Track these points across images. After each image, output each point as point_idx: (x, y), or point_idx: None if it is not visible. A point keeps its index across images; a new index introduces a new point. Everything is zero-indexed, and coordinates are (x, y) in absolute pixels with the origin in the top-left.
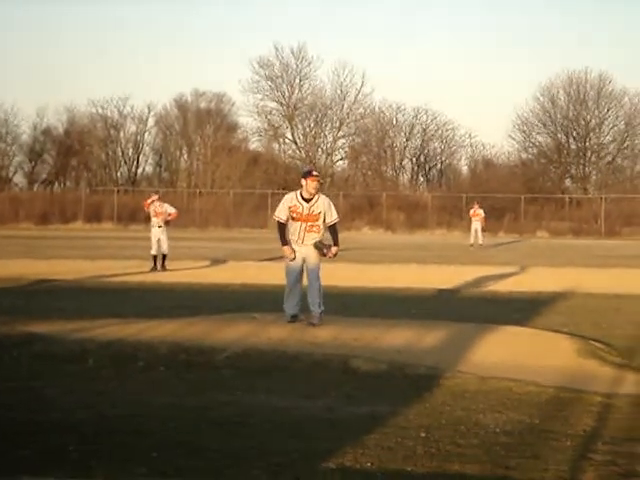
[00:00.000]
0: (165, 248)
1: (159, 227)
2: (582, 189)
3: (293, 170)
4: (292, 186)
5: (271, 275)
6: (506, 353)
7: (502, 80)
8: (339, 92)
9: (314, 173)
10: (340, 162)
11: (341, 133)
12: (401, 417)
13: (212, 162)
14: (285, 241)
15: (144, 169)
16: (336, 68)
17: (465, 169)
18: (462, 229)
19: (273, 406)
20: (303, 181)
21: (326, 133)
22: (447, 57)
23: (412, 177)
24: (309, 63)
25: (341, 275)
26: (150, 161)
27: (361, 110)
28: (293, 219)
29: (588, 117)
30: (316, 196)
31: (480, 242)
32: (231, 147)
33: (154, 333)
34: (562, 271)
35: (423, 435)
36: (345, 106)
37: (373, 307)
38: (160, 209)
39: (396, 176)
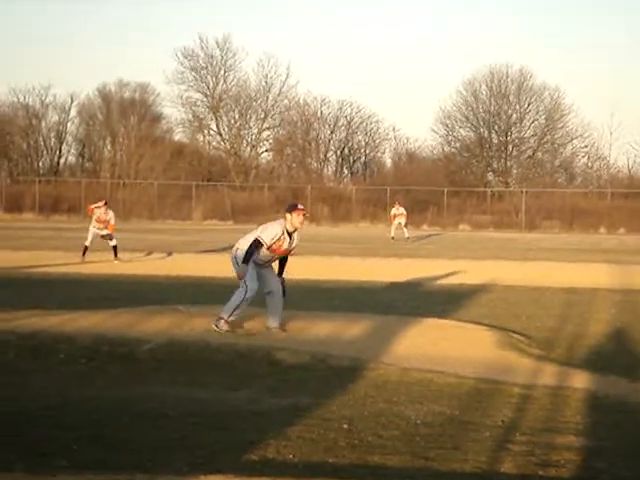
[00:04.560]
0: (114, 241)
1: (99, 229)
2: (503, 183)
3: (218, 162)
4: (217, 177)
5: (196, 267)
6: (428, 345)
7: (425, 74)
8: (264, 84)
9: (301, 207)
10: (265, 154)
11: (266, 125)
12: (324, 409)
13: (136, 153)
14: (248, 260)
15: (67, 159)
16: (261, 60)
17: (389, 162)
18: (386, 222)
19: (196, 398)
20: (288, 215)
21: (251, 125)
22: (371, 50)
23: (336, 170)
24: (234, 54)
25: None
26: (73, 151)
27: (286, 102)
28: (268, 249)
29: (509, 111)
30: (297, 231)
31: (406, 236)
32: (155, 138)
33: (76, 325)
34: (483, 264)
35: (345, 427)
36: (270, 98)
37: (296, 299)
38: (104, 217)
39: (321, 168)
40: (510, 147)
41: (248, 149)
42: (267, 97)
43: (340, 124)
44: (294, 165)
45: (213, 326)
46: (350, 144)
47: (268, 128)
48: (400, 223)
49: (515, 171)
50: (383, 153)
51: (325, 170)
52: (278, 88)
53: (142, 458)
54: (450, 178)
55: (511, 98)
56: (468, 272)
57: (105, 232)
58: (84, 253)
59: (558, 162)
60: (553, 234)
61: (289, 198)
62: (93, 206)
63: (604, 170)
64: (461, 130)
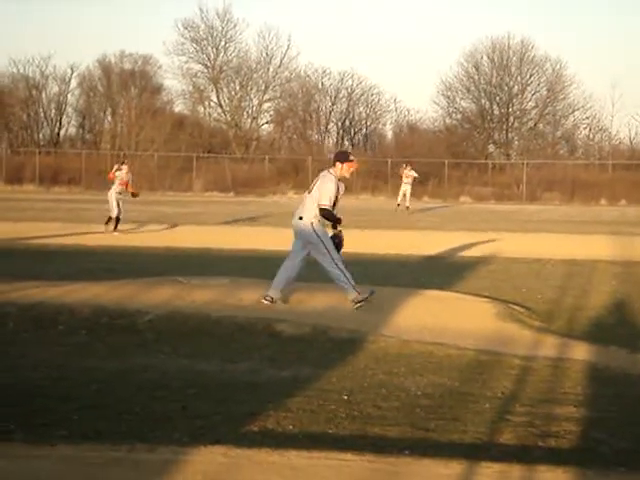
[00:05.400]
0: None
1: (120, 193)
2: (505, 155)
3: (218, 133)
4: (217, 149)
5: (197, 239)
6: (428, 317)
7: (427, 45)
8: (265, 55)
9: (352, 157)
10: (265, 126)
11: (267, 97)
12: (324, 380)
13: (136, 124)
14: (338, 218)
15: (67, 130)
16: (262, 31)
17: (390, 134)
18: (387, 193)
19: (196, 370)
20: (339, 164)
21: (251, 96)
22: (372, 22)
23: (337, 141)
24: (234, 25)
25: (265, 240)
26: (73, 122)
27: (287, 74)
28: (333, 204)
29: (511, 83)
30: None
31: (407, 204)
32: (156, 109)
33: (77, 296)
34: (484, 236)
35: (345, 398)
36: (271, 69)
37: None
38: (126, 177)
39: (321, 140)
40: (511, 119)
41: (249, 121)
42: (268, 69)
43: (341, 96)
44: (295, 137)
45: (355, 308)
46: (351, 116)
47: (269, 100)
48: (405, 193)
49: (516, 143)
50: (384, 125)
51: (326, 142)
52: (279, 60)
53: (142, 429)
54: (451, 150)
55: (512, 69)
56: (469, 244)
57: (126, 194)
58: (113, 225)
59: (559, 134)
60: (554, 206)
61: (290, 170)
62: (113, 170)
63: (606, 142)
64: (462, 102)
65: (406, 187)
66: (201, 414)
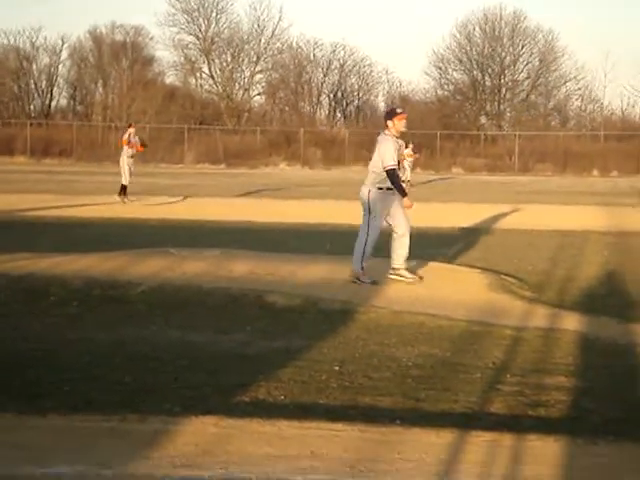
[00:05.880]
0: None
1: (131, 157)
2: (497, 126)
3: (210, 105)
4: (209, 121)
5: (189, 211)
6: (419, 288)
7: (418, 17)
8: (256, 26)
9: (399, 110)
10: (257, 97)
11: (258, 68)
12: (315, 351)
13: (128, 96)
14: (404, 190)
15: (58, 102)
16: (253, 2)
17: (382, 106)
18: None
19: (188, 341)
20: (390, 122)
21: (243, 68)
22: None
23: (329, 113)
24: None
25: (258, 211)
26: (64, 94)
27: (278, 45)
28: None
29: (503, 54)
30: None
31: (408, 178)
32: (147, 81)
33: (68, 268)
34: (476, 207)
35: (337, 368)
36: (262, 41)
37: (289, 242)
38: (134, 139)
39: (313, 112)
40: (503, 90)
41: (240, 92)
42: (259, 40)
43: (333, 67)
44: (287, 109)
45: (349, 278)
46: (343, 87)
47: (260, 71)
48: (405, 168)
49: (508, 114)
50: (376, 96)
51: (318, 114)
52: (270, 31)
53: (134, 399)
54: (443, 121)
55: (505, 41)
56: (461, 215)
57: (134, 155)
58: (125, 193)
59: (552, 105)
60: (546, 177)
61: (282, 142)
62: (125, 136)
63: (598, 112)
64: (454, 73)
65: (407, 162)
66: (192, 385)
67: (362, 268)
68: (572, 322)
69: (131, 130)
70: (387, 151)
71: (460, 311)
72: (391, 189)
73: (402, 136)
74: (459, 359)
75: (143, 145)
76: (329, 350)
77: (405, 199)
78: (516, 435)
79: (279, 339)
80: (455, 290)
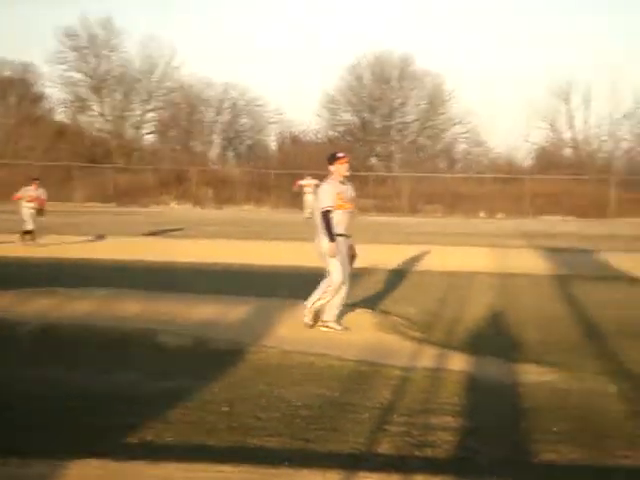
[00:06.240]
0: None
1: (31, 209)
2: (386, 167)
3: (100, 143)
4: (99, 158)
5: (79, 250)
6: (310, 328)
7: (310, 58)
8: (147, 65)
9: (341, 154)
10: (148, 136)
11: (150, 106)
12: (204, 392)
13: (15, 133)
14: (333, 236)
15: None
16: (144, 40)
17: (274, 145)
18: (270, 204)
19: (75, 381)
20: (332, 167)
21: (134, 106)
22: (257, 35)
23: (221, 152)
24: (117, 35)
25: (150, 249)
26: None
27: (170, 84)
28: (339, 207)
29: (392, 96)
30: (346, 182)
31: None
32: (36, 118)
33: None
34: (366, 247)
35: (226, 409)
36: (154, 79)
37: (180, 282)
38: (35, 194)
39: (205, 151)
40: (393, 132)
41: (131, 130)
42: (150, 78)
43: (225, 107)
44: (178, 147)
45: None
46: (235, 127)
47: (152, 110)
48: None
49: (398, 156)
50: (268, 136)
51: (210, 153)
52: (162, 69)
53: (16, 441)
54: None
55: (394, 83)
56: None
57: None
58: (31, 236)
59: (439, 147)
60: (435, 218)
61: (173, 180)
62: (18, 193)
63: (484, 156)
64: (345, 114)
65: (310, 197)
66: (80, 426)
67: (333, 316)
68: (459, 362)
69: (30, 187)
70: (324, 193)
71: (350, 351)
72: (342, 235)
73: (292, 176)
74: (348, 399)
75: (39, 212)
76: (218, 390)
77: (330, 244)
78: (403, 476)
79: (169, 379)
80: (345, 330)
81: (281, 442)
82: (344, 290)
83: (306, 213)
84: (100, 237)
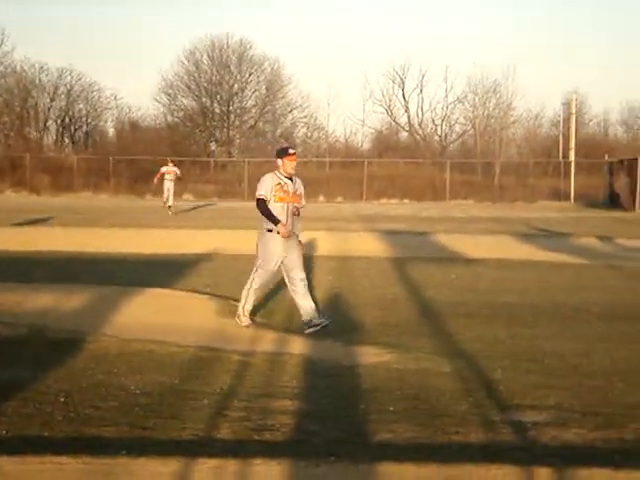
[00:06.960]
0: None
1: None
2: (226, 153)
3: None
4: None
5: None
6: (149, 315)
7: (145, 41)
8: None
9: (292, 151)
10: None
11: None
12: (41, 382)
13: None
14: (275, 218)
15: None
16: None
17: (112, 131)
18: (109, 191)
19: None
20: (279, 161)
21: None
22: (94, 18)
23: (57, 139)
24: None
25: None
26: None
27: (1, 69)
28: (279, 200)
29: (231, 81)
30: (294, 177)
31: (170, 203)
32: None
33: None
34: (207, 233)
35: (62, 400)
36: None
37: (14, 271)
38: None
39: (40, 137)
40: (232, 117)
41: None
42: None
43: (60, 92)
44: (12, 134)
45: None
46: (71, 113)
47: None
48: (169, 189)
49: (238, 141)
50: (105, 122)
51: (45, 139)
52: None
53: None
54: (174, 148)
55: (232, 68)
56: (191, 241)
57: None
58: None
59: (279, 132)
60: None
61: (6, 167)
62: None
63: (323, 140)
64: (184, 100)
65: (169, 184)
66: None
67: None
68: (298, 346)
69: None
70: (261, 182)
71: (190, 337)
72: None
73: (131, 162)
74: (188, 386)
75: None
76: (55, 381)
77: (279, 225)
78: (241, 460)
79: (3, 371)
80: (185, 316)
81: (119, 431)
82: (267, 285)
83: (168, 201)
84: None
